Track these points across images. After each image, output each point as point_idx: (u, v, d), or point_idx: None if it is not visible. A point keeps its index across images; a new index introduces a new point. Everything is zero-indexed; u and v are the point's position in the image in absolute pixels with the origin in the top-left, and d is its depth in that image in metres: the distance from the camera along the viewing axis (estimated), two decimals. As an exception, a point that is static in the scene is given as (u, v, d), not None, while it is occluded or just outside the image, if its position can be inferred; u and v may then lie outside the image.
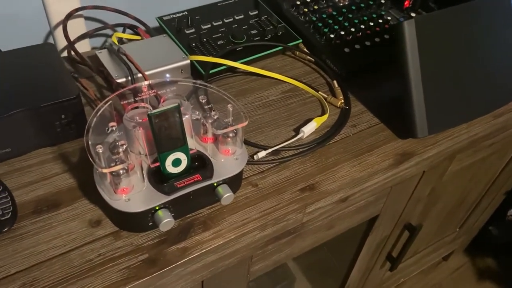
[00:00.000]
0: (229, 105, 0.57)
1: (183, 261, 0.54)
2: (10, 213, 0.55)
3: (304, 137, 0.70)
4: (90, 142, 0.51)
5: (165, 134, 0.52)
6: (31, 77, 0.63)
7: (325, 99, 0.77)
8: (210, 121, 0.57)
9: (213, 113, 0.56)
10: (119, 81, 0.71)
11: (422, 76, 0.67)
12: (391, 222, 0.89)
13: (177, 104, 0.52)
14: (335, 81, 0.79)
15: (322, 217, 0.69)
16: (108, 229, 0.56)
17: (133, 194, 0.53)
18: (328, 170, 0.66)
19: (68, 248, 0.54)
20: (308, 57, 0.85)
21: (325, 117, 0.73)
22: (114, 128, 0.54)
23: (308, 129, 0.70)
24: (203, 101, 0.58)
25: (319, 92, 0.78)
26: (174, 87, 0.60)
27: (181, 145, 0.54)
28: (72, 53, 0.78)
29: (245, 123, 0.56)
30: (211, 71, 0.77)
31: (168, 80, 0.66)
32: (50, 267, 0.52)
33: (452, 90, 0.71)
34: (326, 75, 0.83)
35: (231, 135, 0.57)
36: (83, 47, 0.84)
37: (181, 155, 0.54)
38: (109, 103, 0.55)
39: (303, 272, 0.99)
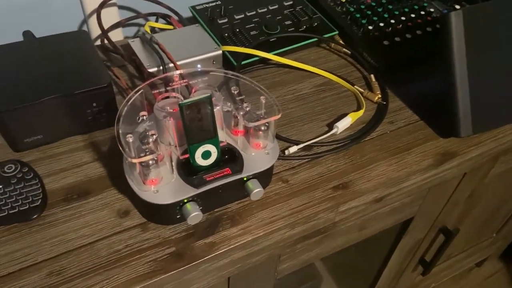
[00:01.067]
0: (262, 97, 0.55)
1: (210, 256, 0.53)
2: (40, 200, 0.55)
3: (338, 132, 0.68)
4: (120, 131, 0.50)
5: (195, 125, 0.51)
6: (64, 64, 0.63)
7: (361, 93, 0.74)
8: (241, 113, 0.55)
9: (245, 105, 0.54)
10: (150, 70, 0.70)
11: (468, 71, 0.63)
12: (426, 225, 0.85)
13: (208, 94, 0.50)
14: (372, 75, 0.76)
15: (355, 217, 0.66)
16: (136, 220, 0.55)
17: (162, 186, 0.52)
18: (363, 168, 0.63)
19: (96, 237, 0.53)
20: (344, 49, 0.82)
21: (360, 112, 0.70)
22: (144, 117, 0.53)
23: (343, 125, 0.68)
24: (235, 92, 0.56)
25: (355, 86, 0.75)
26: (206, 78, 0.58)
27: (212, 137, 0.52)
28: (105, 41, 0.77)
29: (278, 116, 0.54)
30: (243, 62, 0.75)
31: (199, 70, 0.64)
32: (78, 256, 0.51)
33: (499, 87, 0.66)
34: (363, 69, 0.80)
35: (262, 128, 0.55)
36: (116, 36, 0.84)
37: (211, 148, 0.53)
38: (140, 92, 0.54)
39: (331, 272, 0.96)
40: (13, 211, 0.53)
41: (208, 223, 0.56)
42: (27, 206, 0.54)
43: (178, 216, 0.53)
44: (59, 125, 0.62)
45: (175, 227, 0.55)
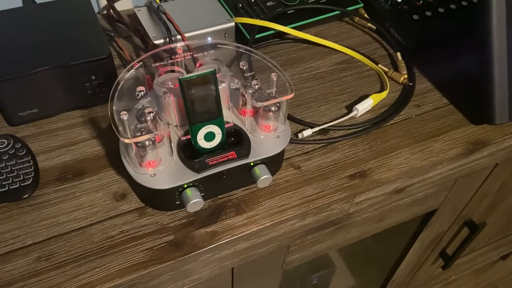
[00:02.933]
0: (273, 74, 0.49)
1: (211, 246, 0.48)
2: (32, 179, 0.51)
3: (358, 115, 0.62)
4: (114, 108, 0.45)
5: (197, 104, 0.46)
6: (62, 33, 0.58)
7: (386, 73, 0.68)
8: (250, 91, 0.49)
9: (253, 82, 0.49)
10: (156, 42, 0.65)
11: (508, 51, 0.56)
12: (450, 217, 0.79)
13: (213, 69, 0.45)
14: (398, 53, 0.69)
15: (372, 209, 0.61)
16: (133, 204, 0.51)
17: (160, 169, 0.47)
18: (383, 155, 0.57)
19: (90, 221, 0.49)
20: (369, 24, 0.75)
21: (384, 94, 0.64)
22: (142, 93, 0.48)
23: (363, 107, 0.62)
24: (244, 67, 0.50)
25: (379, 65, 0.68)
26: (213, 51, 0.52)
27: (216, 117, 0.47)
28: (111, 10, 0.72)
29: (290, 96, 0.48)
30: (257, 36, 0.69)
31: (209, 43, 0.59)
32: (69, 241, 0.48)
33: (543, 69, 0.59)
34: (389, 46, 0.73)
35: (273, 108, 0.49)
36: (125, 4, 0.79)
37: (215, 129, 0.48)
38: (138, 64, 0.49)
39: (345, 260, 0.92)
40: (3, 189, 0.50)
41: (210, 210, 0.51)
42: (18, 185, 0.50)
43: (177, 202, 0.49)
44: (56, 99, 0.57)
45: (175, 213, 0.51)
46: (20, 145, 0.53)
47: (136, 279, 0.46)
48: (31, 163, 0.52)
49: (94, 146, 0.56)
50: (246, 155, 0.49)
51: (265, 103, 0.48)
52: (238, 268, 0.58)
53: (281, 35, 0.73)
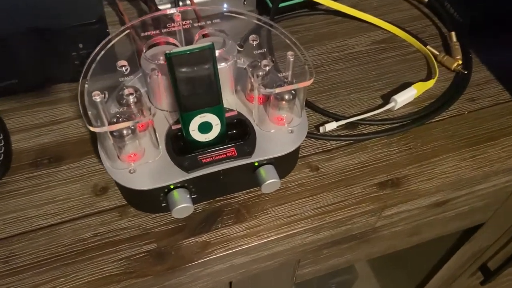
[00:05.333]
0: (289, 53, 0.39)
1: (201, 261, 0.40)
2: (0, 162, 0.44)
3: (396, 108, 0.50)
4: (87, 86, 0.37)
5: (190, 86, 0.36)
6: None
7: (435, 57, 0.55)
8: (259, 73, 0.39)
9: (264, 62, 0.39)
10: (162, 7, 0.56)
11: None
12: (498, 232, 0.68)
13: (210, 43, 0.35)
14: (453, 33, 0.57)
15: (404, 223, 0.51)
16: (114, 201, 0.43)
17: (142, 164, 0.39)
18: (424, 160, 0.47)
19: (61, 219, 0.42)
20: (419, -4, 0.62)
21: (430, 82, 0.52)
22: (125, 69, 0.38)
23: (403, 98, 0.50)
24: (254, 42, 0.40)
25: (428, 47, 0.56)
26: (219, 20, 0.42)
27: (214, 104, 0.38)
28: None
29: (308, 82, 0.38)
30: (281, 5, 0.58)
31: (221, 10, 0.48)
32: (34, 241, 0.40)
33: None
34: (442, 24, 0.60)
35: (286, 97, 0.39)
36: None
37: (212, 118, 0.38)
38: (126, 32, 0.40)
39: (369, 264, 0.82)
40: (-35, 173, 0.43)
41: (204, 215, 0.42)
42: (-17, 170, 0.43)
43: (163, 204, 0.40)
44: (38, 69, 0.49)
45: (161, 216, 0.42)
46: (-7, 121, 0.46)
47: (105, 295, 0.38)
48: (1, 143, 0.45)
49: (79, 127, 0.48)
50: (249, 153, 0.39)
51: (276, 90, 0.37)
52: (238, 283, 0.50)
53: (311, 4, 0.61)
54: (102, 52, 0.38)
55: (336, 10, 0.60)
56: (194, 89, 0.37)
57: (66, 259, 0.39)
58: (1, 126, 0.46)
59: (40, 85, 0.51)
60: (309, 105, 0.50)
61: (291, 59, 0.39)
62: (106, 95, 0.38)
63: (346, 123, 0.49)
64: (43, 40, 0.47)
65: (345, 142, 0.48)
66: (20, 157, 0.46)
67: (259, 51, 0.40)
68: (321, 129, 0.48)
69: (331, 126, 0.48)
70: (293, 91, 0.39)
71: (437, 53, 0.56)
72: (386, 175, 0.45)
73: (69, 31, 0.47)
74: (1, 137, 0.45)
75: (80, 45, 0.48)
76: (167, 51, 0.35)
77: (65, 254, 0.40)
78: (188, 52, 0.35)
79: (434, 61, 0.55)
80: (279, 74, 0.39)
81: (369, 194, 0.44)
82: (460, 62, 0.54)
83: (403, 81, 0.54)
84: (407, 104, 0.51)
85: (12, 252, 0.40)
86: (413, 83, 0.52)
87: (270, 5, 0.58)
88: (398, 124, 0.49)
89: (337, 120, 0.49)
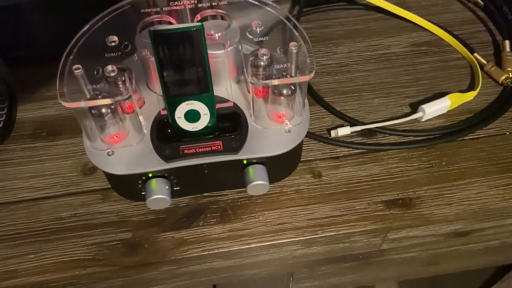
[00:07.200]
0: (291, 44, 0.34)
1: (173, 258, 0.37)
2: (-3, 131, 0.43)
3: (424, 119, 0.44)
4: (71, 57, 0.35)
5: (176, 69, 0.33)
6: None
7: (482, 66, 0.48)
8: (260, 63, 0.35)
9: (262, 51, 0.35)
10: (186, -12, 0.53)
11: None
12: (540, 275, 0.59)
13: (199, 24, 0.32)
14: (507, 42, 0.49)
15: (417, 249, 0.44)
16: (100, 183, 0.41)
17: (122, 148, 0.36)
18: (446, 182, 0.40)
19: (45, 194, 0.41)
20: (475, -3, 0.55)
21: (470, 94, 0.46)
22: (114, 45, 0.36)
23: (434, 109, 0.44)
24: (258, 29, 0.36)
25: (475, 54, 0.49)
26: (225, 2, 0.39)
27: (202, 91, 0.35)
28: None
29: (307, 78, 0.33)
30: (314, -5, 0.54)
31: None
32: (15, 213, 0.40)
33: None
34: (496, 30, 0.53)
35: (284, 91, 0.35)
36: None
37: (200, 107, 0.35)
38: (120, 10, 0.38)
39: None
40: (-35, 136, 0.43)
41: (188, 209, 0.39)
42: (-19, 135, 0.43)
43: (143, 193, 0.38)
44: (56, 41, 0.49)
45: (143, 205, 0.40)
46: (1, 89, 0.46)
47: (69, 278, 0.36)
48: (4, 111, 0.45)
49: (84, 104, 0.47)
50: (236, 149, 0.36)
51: (265, 82, 0.33)
52: (222, 286, 0.46)
53: (350, -2, 0.56)
54: (93, 29, 0.36)
55: (377, 7, 0.54)
56: (180, 73, 0.34)
57: (40, 236, 0.38)
58: (10, 95, 0.46)
59: (58, 57, 0.51)
60: (324, 105, 0.46)
61: (294, 50, 0.34)
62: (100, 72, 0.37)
63: (363, 130, 0.44)
64: (60, 10, 0.46)
65: (357, 150, 0.43)
66: (22, 127, 0.46)
67: (258, 38, 0.36)
68: (333, 133, 0.43)
69: (345, 131, 0.43)
70: (292, 86, 0.35)
71: (485, 62, 0.48)
72: (397, 193, 0.40)
73: (88, 1, 0.46)
74: (5, 105, 0.45)
75: (94, 20, 0.47)
76: (151, 28, 0.32)
77: (40, 231, 0.38)
78: (174, 31, 0.32)
79: (479, 71, 0.48)
80: (277, 66, 0.35)
81: (373, 212, 0.39)
82: (511, 75, 0.47)
83: (439, 90, 0.47)
84: (438, 116, 0.45)
85: (-10, 221, 0.39)
86: (450, 93, 0.46)
87: (302, -6, 0.53)
88: (423, 137, 0.43)
89: (352, 125, 0.44)
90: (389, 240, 0.41)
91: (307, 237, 0.38)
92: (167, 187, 0.36)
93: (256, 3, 0.40)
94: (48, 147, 0.44)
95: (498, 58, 0.49)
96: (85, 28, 0.36)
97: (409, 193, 0.40)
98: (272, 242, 0.38)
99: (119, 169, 0.35)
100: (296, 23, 0.37)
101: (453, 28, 0.53)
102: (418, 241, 0.42)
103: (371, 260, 0.45)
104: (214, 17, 0.39)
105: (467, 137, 0.44)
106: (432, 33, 0.53)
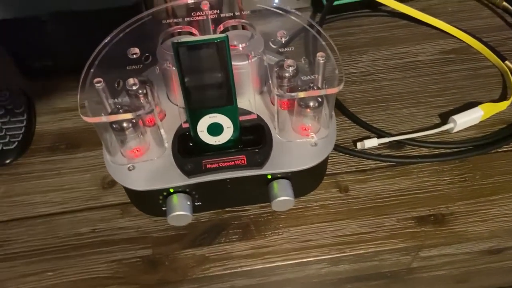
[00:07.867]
0: (319, 54, 0.33)
1: (194, 277, 0.36)
2: (16, 143, 0.43)
3: (455, 130, 0.42)
4: (92, 70, 0.34)
5: (199, 81, 0.32)
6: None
7: (514, 75, 0.46)
8: (285, 74, 0.34)
9: (288, 62, 0.34)
10: (206, -3, 0.52)
11: None
12: None
13: (224, 35, 0.31)
14: (541, 48, 0.47)
15: (449, 267, 0.42)
16: (120, 197, 0.40)
17: (143, 162, 0.35)
18: (480, 197, 0.38)
19: (63, 208, 0.40)
20: (505, 3, 0.53)
21: (504, 104, 0.44)
22: (136, 57, 0.35)
23: (466, 119, 0.42)
24: (282, 39, 0.35)
25: (506, 62, 0.47)
26: (248, 12, 0.38)
27: (226, 104, 0.33)
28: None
29: (335, 90, 0.32)
30: (337, 2, 0.52)
31: (275, 4, 0.44)
32: (32, 228, 0.39)
33: None
34: (529, 37, 0.51)
35: (311, 104, 0.34)
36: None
37: (223, 120, 0.34)
38: (140, 22, 0.37)
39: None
40: (-16, 149, 0.43)
41: (209, 225, 0.38)
42: (1, 147, 0.43)
43: (164, 208, 0.37)
44: (74, 53, 0.48)
45: (163, 220, 0.39)
46: (21, 101, 0.46)
47: (88, 297, 0.35)
48: (23, 123, 0.44)
49: (102, 115, 0.46)
50: (260, 164, 0.34)
51: (292, 94, 0.32)
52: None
53: (374, 4, 0.55)
54: (115, 40, 0.35)
55: (402, 13, 0.53)
56: (203, 86, 0.32)
57: (58, 252, 0.37)
58: (28, 107, 0.46)
59: (75, 69, 0.50)
60: (349, 116, 0.44)
61: (321, 61, 0.33)
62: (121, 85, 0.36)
63: (391, 142, 0.42)
64: (79, 23, 0.46)
65: (385, 164, 0.41)
66: (41, 139, 0.45)
67: (283, 49, 0.34)
68: (359, 145, 0.42)
69: (372, 143, 0.42)
70: (319, 98, 0.34)
71: (518, 70, 0.46)
72: (429, 209, 0.38)
73: (106, 14, 0.45)
74: (24, 117, 0.45)
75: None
76: (175, 40, 0.31)
77: (59, 247, 0.38)
78: (197, 43, 0.31)
79: (512, 79, 0.46)
80: (303, 77, 0.34)
81: (404, 229, 0.37)
82: (546, 83, 0.45)
83: (470, 100, 0.45)
84: (470, 127, 0.43)
85: (9, 237, 0.38)
86: (482, 103, 0.44)
87: (324, 1, 0.52)
88: (454, 150, 0.41)
89: (380, 136, 0.42)
90: (419, 258, 0.39)
91: (334, 255, 0.36)
92: (188, 203, 0.35)
93: (279, 11, 0.39)
94: (67, 160, 0.43)
95: (531, 66, 0.47)
96: (106, 40, 0.35)
97: (441, 208, 0.38)
98: (297, 261, 0.36)
99: (140, 185, 0.34)
100: (321, 29, 0.35)
101: (481, 35, 0.51)
102: (450, 259, 0.40)
103: (400, 278, 0.43)
104: (235, 27, 0.38)
105: (501, 149, 0.41)
106: (460, 40, 0.51)
